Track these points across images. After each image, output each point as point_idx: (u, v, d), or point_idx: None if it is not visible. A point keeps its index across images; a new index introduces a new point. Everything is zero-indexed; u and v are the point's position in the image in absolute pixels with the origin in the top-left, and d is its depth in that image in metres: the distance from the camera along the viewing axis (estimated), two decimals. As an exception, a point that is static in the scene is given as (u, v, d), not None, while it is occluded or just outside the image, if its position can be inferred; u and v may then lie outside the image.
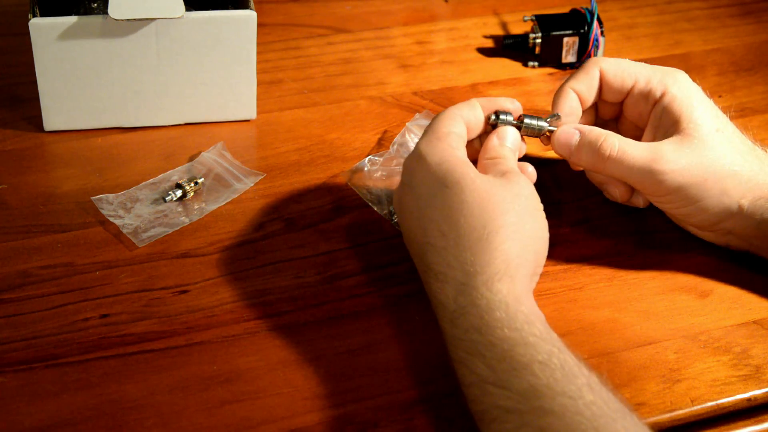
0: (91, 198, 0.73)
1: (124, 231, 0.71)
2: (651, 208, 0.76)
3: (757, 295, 0.70)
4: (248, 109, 0.82)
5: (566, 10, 0.93)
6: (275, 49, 0.91)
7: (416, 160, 0.66)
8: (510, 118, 0.70)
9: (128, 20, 0.75)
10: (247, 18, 0.78)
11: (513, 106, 0.71)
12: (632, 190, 0.73)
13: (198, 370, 0.62)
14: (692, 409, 0.63)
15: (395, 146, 0.79)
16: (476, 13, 1.00)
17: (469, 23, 0.99)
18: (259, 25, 0.79)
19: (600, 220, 0.76)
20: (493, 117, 0.69)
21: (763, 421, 0.64)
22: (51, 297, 0.66)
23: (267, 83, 0.86)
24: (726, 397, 0.64)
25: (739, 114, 0.88)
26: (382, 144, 0.82)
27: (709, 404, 0.63)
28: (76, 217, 0.72)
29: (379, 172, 0.77)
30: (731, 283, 0.71)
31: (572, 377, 0.56)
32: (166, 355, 0.63)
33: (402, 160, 0.78)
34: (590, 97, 0.73)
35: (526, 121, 0.70)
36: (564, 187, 0.78)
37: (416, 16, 0.99)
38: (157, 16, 0.75)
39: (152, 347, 0.64)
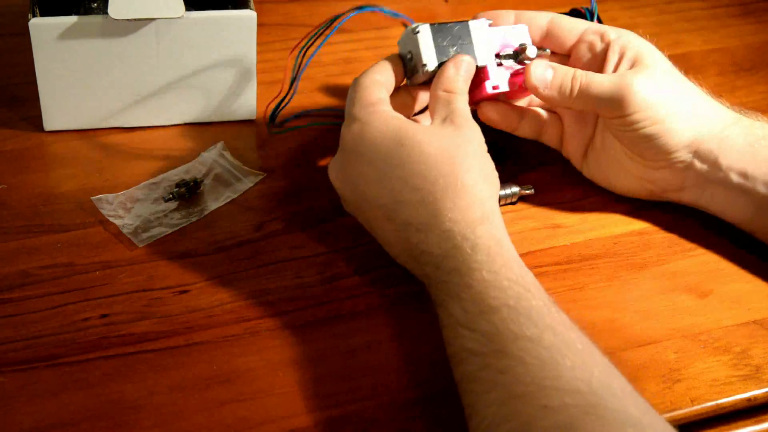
0: (91, 198, 0.73)
1: (124, 231, 0.71)
2: (651, 209, 0.76)
3: (757, 295, 0.70)
4: (248, 109, 0.82)
5: (566, 10, 0.93)
6: (275, 49, 0.91)
7: (359, 128, 0.67)
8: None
9: (128, 20, 0.75)
10: (247, 18, 0.78)
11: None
12: (519, 120, 0.76)
13: (198, 370, 0.62)
14: (692, 409, 0.63)
15: (395, 146, 0.79)
16: (476, 13, 1.00)
17: (469, 23, 0.98)
18: (259, 25, 0.79)
19: (600, 220, 0.76)
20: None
21: (763, 421, 0.65)
22: (51, 297, 0.66)
23: (267, 83, 0.86)
24: (726, 397, 0.64)
25: (739, 114, 0.88)
26: (382, 144, 0.82)
27: (709, 404, 0.63)
28: (76, 217, 0.72)
29: (379, 172, 0.77)
30: (731, 283, 0.71)
31: (537, 320, 0.57)
32: (166, 355, 0.63)
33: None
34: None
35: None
36: (564, 187, 0.78)
37: (416, 16, 0.99)
38: (157, 16, 0.75)
39: (152, 347, 0.64)
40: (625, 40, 0.73)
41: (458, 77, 0.69)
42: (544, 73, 0.71)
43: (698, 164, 0.71)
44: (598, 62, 0.74)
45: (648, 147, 0.71)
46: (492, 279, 0.60)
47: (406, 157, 0.65)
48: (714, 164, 0.71)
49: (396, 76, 0.71)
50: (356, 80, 0.70)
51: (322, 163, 0.79)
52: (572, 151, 0.77)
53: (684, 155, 0.71)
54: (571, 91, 0.71)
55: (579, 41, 0.75)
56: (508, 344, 0.56)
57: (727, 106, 0.74)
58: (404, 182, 0.64)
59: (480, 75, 0.73)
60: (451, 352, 0.60)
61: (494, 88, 0.73)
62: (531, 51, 0.72)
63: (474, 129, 0.67)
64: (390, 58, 0.72)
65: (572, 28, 0.75)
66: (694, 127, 0.71)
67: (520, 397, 0.54)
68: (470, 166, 0.64)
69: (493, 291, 0.59)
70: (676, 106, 0.71)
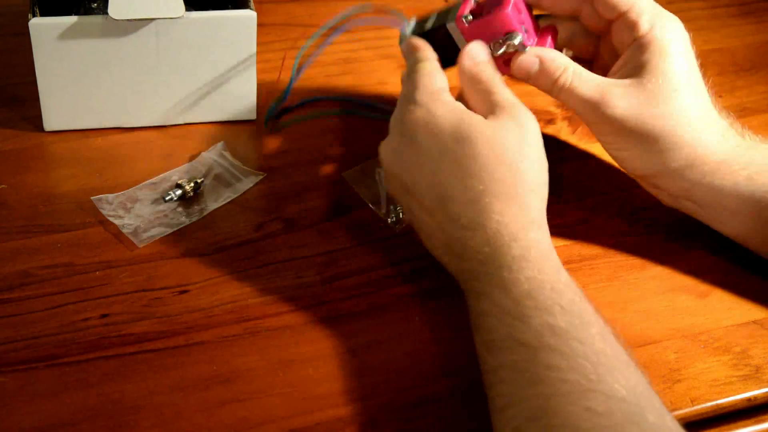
0: (91, 198, 0.73)
1: (124, 231, 0.71)
2: (651, 209, 0.76)
3: (757, 295, 0.70)
4: (248, 109, 0.82)
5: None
6: (275, 49, 0.91)
7: (423, 114, 0.66)
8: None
9: (128, 20, 0.75)
10: (247, 18, 0.78)
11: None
12: None
13: (197, 370, 0.62)
14: (692, 409, 0.63)
15: (395, 146, 0.79)
16: None
17: (469, 23, 0.98)
18: (259, 25, 0.79)
19: (600, 220, 0.76)
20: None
21: (763, 421, 0.65)
22: (51, 297, 0.66)
23: (267, 83, 0.86)
24: (726, 397, 0.64)
25: (739, 114, 0.88)
26: (382, 144, 0.82)
27: (709, 404, 0.63)
28: (76, 217, 0.72)
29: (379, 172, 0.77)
30: (731, 283, 0.71)
31: (588, 325, 0.58)
32: (166, 355, 0.63)
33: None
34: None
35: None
36: (565, 187, 0.78)
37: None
38: (157, 16, 0.75)
39: (152, 347, 0.64)
40: (648, 39, 0.69)
41: (487, 65, 0.68)
42: (529, 66, 0.70)
43: (686, 185, 0.70)
44: (622, 49, 0.71)
45: (627, 165, 0.72)
46: (543, 279, 0.60)
47: (462, 153, 0.63)
48: (710, 186, 0.69)
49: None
50: (416, 66, 0.69)
51: (322, 163, 0.79)
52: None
53: (667, 182, 0.70)
54: (559, 84, 0.69)
55: (618, 18, 0.71)
56: (559, 342, 0.56)
57: (728, 122, 0.71)
58: (458, 179, 0.63)
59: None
60: (490, 339, 0.59)
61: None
62: (516, 39, 0.70)
63: (529, 119, 0.66)
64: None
65: (617, 3, 0.71)
66: (682, 157, 0.69)
67: (565, 395, 0.54)
68: (525, 171, 0.64)
69: (545, 291, 0.59)
70: (660, 129, 0.68)
